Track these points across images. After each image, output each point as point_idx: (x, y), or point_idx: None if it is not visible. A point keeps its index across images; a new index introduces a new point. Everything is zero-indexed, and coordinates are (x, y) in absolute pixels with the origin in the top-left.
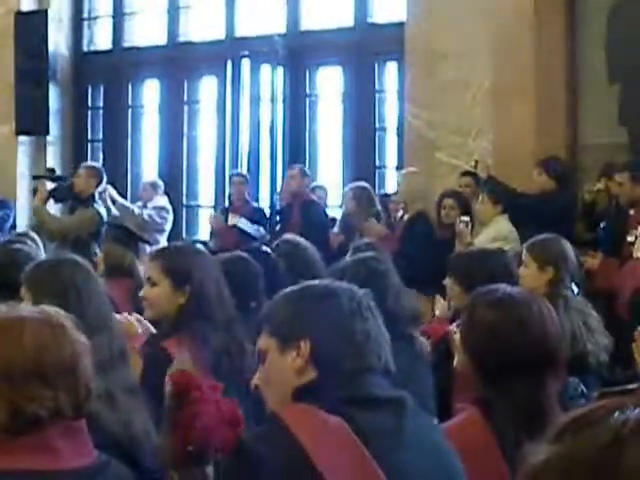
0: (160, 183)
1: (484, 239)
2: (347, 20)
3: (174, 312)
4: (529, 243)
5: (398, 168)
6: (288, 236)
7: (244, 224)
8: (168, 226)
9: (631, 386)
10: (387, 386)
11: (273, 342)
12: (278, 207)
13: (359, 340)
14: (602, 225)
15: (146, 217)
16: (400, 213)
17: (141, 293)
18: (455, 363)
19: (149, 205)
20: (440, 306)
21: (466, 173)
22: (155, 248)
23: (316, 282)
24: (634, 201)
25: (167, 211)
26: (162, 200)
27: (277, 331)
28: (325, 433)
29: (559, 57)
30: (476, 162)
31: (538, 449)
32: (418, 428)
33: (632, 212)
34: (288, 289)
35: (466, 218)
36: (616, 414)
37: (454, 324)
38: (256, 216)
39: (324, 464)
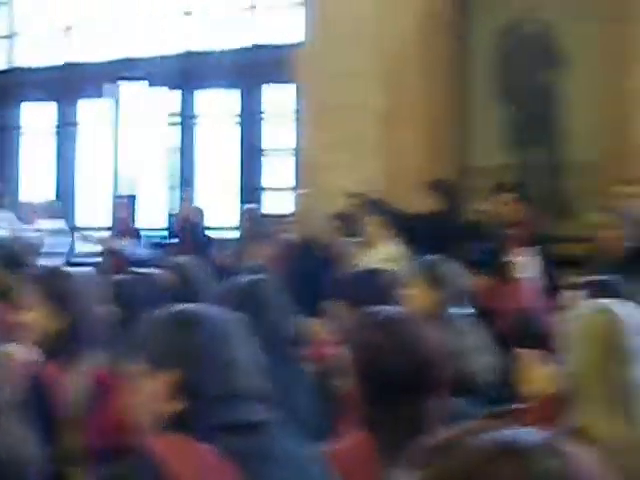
0: (55, 205)
1: (372, 261)
2: (240, 41)
3: (53, 336)
4: (417, 264)
5: (290, 189)
6: (180, 258)
7: (132, 246)
8: (63, 249)
9: (518, 406)
10: (259, 410)
11: (142, 365)
12: (171, 229)
13: (225, 367)
14: (483, 246)
15: (35, 240)
16: (290, 234)
17: (21, 318)
18: (339, 384)
19: (43, 227)
20: (323, 328)
21: (354, 195)
22: (35, 272)
23: (186, 307)
24: (514, 221)
25: (64, 233)
26: (57, 223)
27: (148, 356)
28: (196, 462)
29: (448, 80)
30: (365, 184)
31: (401, 474)
32: (291, 451)
33: (512, 232)
34: (160, 313)
35: (354, 240)
36: (481, 436)
37: (338, 346)
38: (144, 238)
39: None
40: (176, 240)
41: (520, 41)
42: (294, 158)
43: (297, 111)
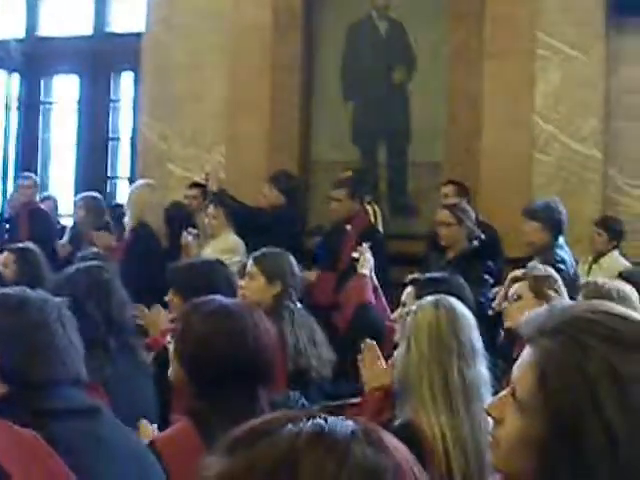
0: None
1: (211, 252)
2: (85, 28)
3: None
4: (256, 256)
5: (130, 179)
6: (21, 244)
7: None
8: None
9: (353, 400)
10: (80, 396)
11: None
12: (7, 216)
13: (43, 352)
14: (320, 240)
15: None
16: (127, 224)
17: None
18: (169, 374)
19: None
20: (161, 317)
21: (193, 185)
22: None
23: (10, 291)
24: (351, 217)
25: None
26: None
27: None
28: (18, 447)
29: (294, 74)
30: (207, 175)
31: (211, 462)
32: (117, 437)
33: (349, 227)
34: None
35: (193, 230)
36: (290, 425)
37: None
38: None
39: (17, 478)
40: (15, 227)
41: (370, 38)
42: (136, 148)
43: (137, 100)
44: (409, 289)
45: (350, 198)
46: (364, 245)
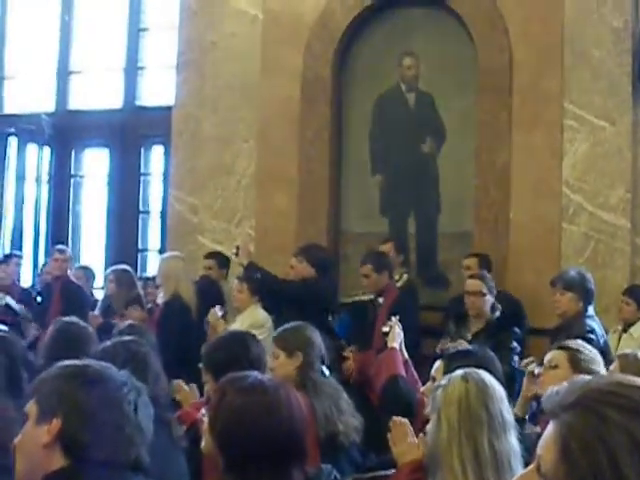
0: None
1: (239, 327)
2: (115, 102)
3: None
4: (277, 333)
5: (161, 251)
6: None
7: (10, 302)
8: None
9: (383, 473)
10: None
11: (34, 409)
12: (38, 288)
13: (111, 432)
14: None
15: None
16: (160, 297)
17: None
18: (202, 446)
19: None
20: (194, 391)
21: (209, 255)
22: None
23: (92, 363)
24: (380, 290)
25: None
26: None
27: (39, 399)
28: None
29: (323, 146)
30: (237, 248)
31: None
32: None
33: (381, 301)
34: (66, 363)
35: (220, 310)
36: None
37: (203, 409)
38: (23, 295)
39: None
40: (48, 298)
41: (399, 110)
42: (166, 220)
43: (167, 173)
44: (438, 363)
45: (378, 273)
46: (393, 319)
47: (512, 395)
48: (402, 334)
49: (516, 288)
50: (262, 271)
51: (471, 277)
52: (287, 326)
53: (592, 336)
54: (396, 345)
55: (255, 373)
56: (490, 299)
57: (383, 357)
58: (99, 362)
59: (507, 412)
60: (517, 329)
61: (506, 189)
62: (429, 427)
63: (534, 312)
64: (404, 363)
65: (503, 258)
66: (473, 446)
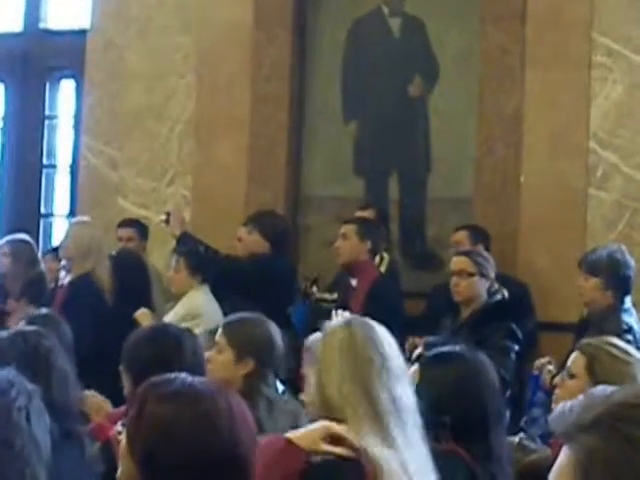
0: None
1: (173, 318)
2: (14, 24)
3: None
4: (226, 322)
5: (70, 217)
6: None
7: None
8: None
9: None
10: None
11: None
12: None
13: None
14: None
15: None
16: (63, 274)
17: None
18: (119, 474)
19: None
20: (105, 402)
21: (126, 223)
22: None
23: None
24: (353, 266)
25: None
26: None
27: None
28: None
29: (282, 85)
30: (167, 214)
31: None
32: None
33: (354, 283)
34: None
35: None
36: None
37: (120, 423)
38: None
39: None
40: None
41: (380, 39)
42: (77, 177)
43: (80, 117)
44: (414, 367)
45: (360, 239)
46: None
47: (516, 415)
48: None
49: (527, 272)
50: (199, 245)
51: (459, 253)
52: (242, 317)
53: (629, 337)
54: None
55: (183, 375)
56: (482, 281)
57: None
58: None
59: (403, 363)
60: (512, 324)
61: (516, 144)
62: (312, 382)
63: (549, 302)
64: None
65: (511, 233)
66: (366, 391)
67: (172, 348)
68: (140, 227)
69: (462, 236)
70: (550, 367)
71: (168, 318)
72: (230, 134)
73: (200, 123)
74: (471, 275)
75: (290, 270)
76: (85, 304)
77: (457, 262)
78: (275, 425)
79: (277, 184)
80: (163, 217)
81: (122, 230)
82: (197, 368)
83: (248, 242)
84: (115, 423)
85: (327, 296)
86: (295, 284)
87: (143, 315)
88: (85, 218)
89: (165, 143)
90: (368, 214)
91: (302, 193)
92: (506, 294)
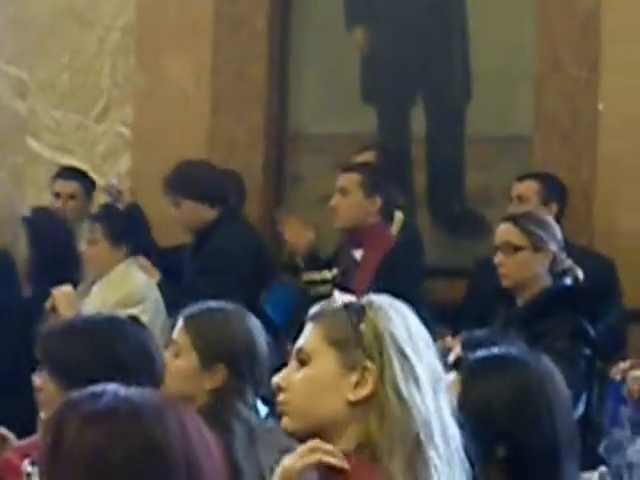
0: None
1: (102, 307)
2: None
3: None
4: (188, 315)
5: None
6: None
7: None
8: None
9: None
10: None
11: None
12: None
13: None
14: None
15: None
16: None
17: None
18: None
19: None
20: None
21: (69, 172)
22: None
23: None
24: (357, 230)
25: None
26: None
27: None
28: None
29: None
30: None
31: None
32: None
33: (358, 256)
34: None
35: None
36: None
37: (27, 461)
38: None
39: None
40: None
41: None
42: None
43: None
44: (451, 376)
45: (366, 195)
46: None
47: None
48: None
49: (608, 241)
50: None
51: (505, 219)
52: (209, 308)
53: None
54: None
55: (113, 386)
56: (537, 258)
57: None
58: None
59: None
60: (580, 316)
61: (593, 59)
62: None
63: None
64: None
65: (587, 188)
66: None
67: (108, 346)
68: (85, 181)
69: (529, 188)
70: (637, 373)
71: (91, 307)
72: (185, 47)
73: (143, 32)
74: (519, 249)
75: (254, 238)
76: None
77: (501, 232)
78: (256, 463)
79: (253, 117)
80: (113, 181)
81: (61, 183)
82: (146, 375)
83: (182, 217)
84: (24, 457)
85: (326, 274)
86: (266, 257)
87: (63, 295)
88: None
89: (92, 61)
90: (368, 158)
91: (289, 129)
92: (580, 275)
